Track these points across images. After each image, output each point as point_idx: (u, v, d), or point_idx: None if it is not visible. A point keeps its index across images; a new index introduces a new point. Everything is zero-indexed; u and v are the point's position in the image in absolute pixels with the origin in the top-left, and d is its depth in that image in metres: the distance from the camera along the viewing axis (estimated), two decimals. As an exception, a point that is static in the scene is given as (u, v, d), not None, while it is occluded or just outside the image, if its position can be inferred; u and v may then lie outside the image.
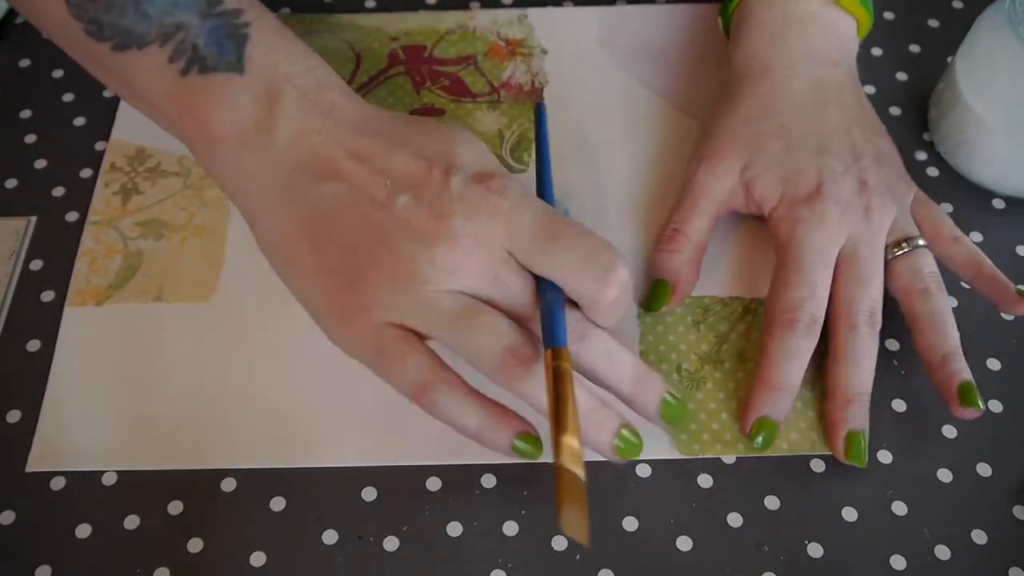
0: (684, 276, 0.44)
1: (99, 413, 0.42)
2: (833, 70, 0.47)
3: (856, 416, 0.41)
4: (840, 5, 0.47)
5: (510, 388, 0.36)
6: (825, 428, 0.42)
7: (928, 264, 0.43)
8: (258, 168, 0.38)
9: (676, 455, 0.41)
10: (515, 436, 0.37)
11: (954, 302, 0.46)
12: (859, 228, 0.43)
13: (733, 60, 0.49)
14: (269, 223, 0.39)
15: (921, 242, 0.44)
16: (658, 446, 0.42)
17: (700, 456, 0.41)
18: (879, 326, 0.42)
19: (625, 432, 0.38)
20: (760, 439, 0.41)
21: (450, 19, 0.55)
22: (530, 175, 0.48)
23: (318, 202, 0.37)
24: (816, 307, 0.42)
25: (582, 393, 0.37)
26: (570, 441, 0.33)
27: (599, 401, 0.38)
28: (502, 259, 0.37)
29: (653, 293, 0.44)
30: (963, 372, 0.41)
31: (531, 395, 0.36)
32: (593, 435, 0.37)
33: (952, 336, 0.42)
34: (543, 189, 0.42)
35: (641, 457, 0.41)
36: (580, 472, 0.33)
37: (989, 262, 0.44)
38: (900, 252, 0.43)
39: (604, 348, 0.38)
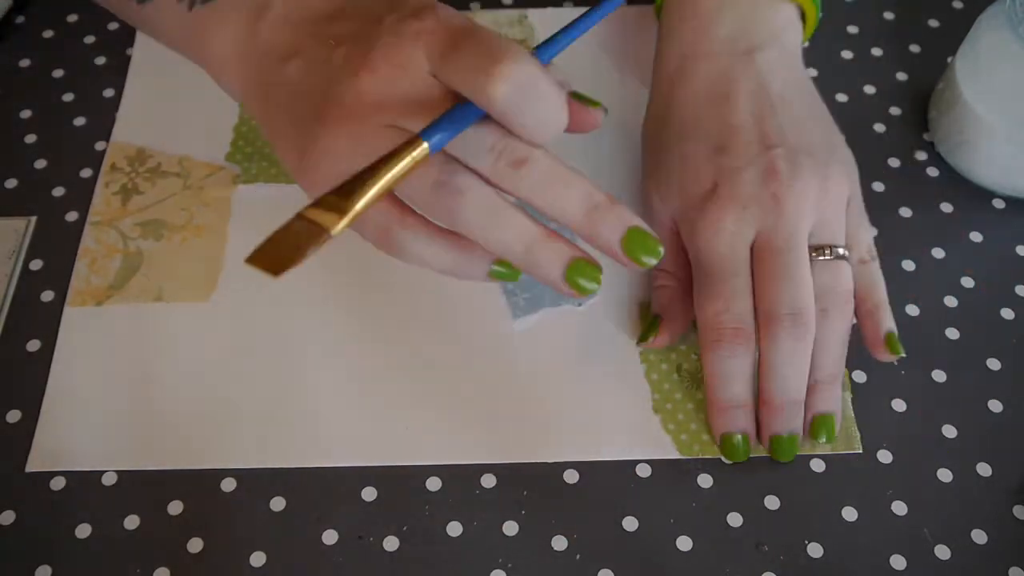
0: (675, 312, 0.43)
1: (99, 413, 0.42)
2: (747, 58, 0.44)
3: (777, 423, 0.40)
4: None
5: (449, 223, 0.35)
6: (757, 424, 0.41)
7: (840, 282, 0.41)
8: (250, 60, 0.39)
9: (676, 455, 0.41)
10: (491, 262, 0.36)
11: (954, 302, 0.46)
12: (769, 220, 0.40)
13: (655, 62, 0.48)
14: (262, 102, 0.39)
15: (842, 251, 0.41)
16: (658, 446, 0.42)
17: (700, 456, 0.41)
18: (805, 324, 0.39)
19: (580, 262, 0.34)
20: (730, 455, 0.41)
21: None
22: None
23: (287, 80, 0.37)
24: (737, 318, 0.40)
25: (522, 219, 0.34)
26: (338, 201, 0.31)
27: (546, 229, 0.35)
28: (427, 84, 0.35)
29: (650, 324, 0.44)
30: (820, 404, 0.41)
31: (468, 224, 0.34)
32: (545, 268, 0.34)
33: (829, 364, 0.41)
34: (544, 47, 0.37)
35: (641, 457, 0.41)
36: (328, 229, 0.30)
37: (881, 296, 0.42)
38: (820, 258, 0.41)
39: (546, 172, 0.34)
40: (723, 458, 0.41)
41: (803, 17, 0.47)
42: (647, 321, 0.44)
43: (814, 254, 0.41)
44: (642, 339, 0.44)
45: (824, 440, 0.41)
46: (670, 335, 0.43)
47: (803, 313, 0.40)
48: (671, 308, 0.43)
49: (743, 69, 0.44)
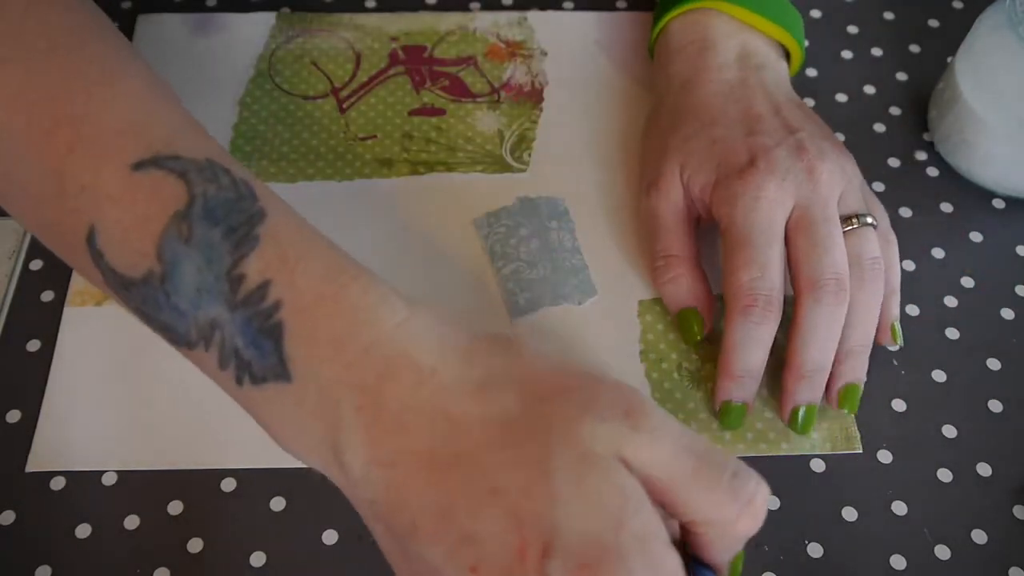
0: (701, 294, 0.44)
1: (99, 413, 0.42)
2: (756, 72, 0.46)
3: (805, 392, 0.41)
4: (759, 30, 0.47)
5: None
6: (780, 394, 0.42)
7: (871, 249, 0.42)
8: (348, 491, 0.32)
9: None
10: None
11: (954, 302, 0.46)
12: (805, 191, 0.41)
13: (656, 82, 0.49)
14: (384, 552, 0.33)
15: (870, 220, 0.42)
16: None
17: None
18: (846, 290, 0.40)
19: None
20: (726, 422, 0.42)
21: (450, 20, 0.55)
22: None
23: (406, 555, 0.31)
24: (770, 286, 0.40)
25: None
26: None
27: None
28: None
29: (684, 325, 0.44)
30: (849, 374, 0.41)
31: None
32: None
33: (861, 334, 0.41)
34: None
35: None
36: None
37: (895, 282, 0.43)
38: (847, 228, 0.42)
39: None
40: (720, 426, 0.42)
41: (787, 57, 0.49)
42: (680, 321, 0.44)
43: (844, 224, 0.42)
44: (692, 337, 0.44)
45: (847, 411, 0.42)
46: (710, 320, 0.44)
47: (844, 279, 0.40)
48: (697, 293, 0.44)
49: (755, 79, 0.46)
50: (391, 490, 0.30)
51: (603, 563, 0.28)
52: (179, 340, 0.33)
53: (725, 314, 0.42)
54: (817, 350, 0.40)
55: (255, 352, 0.31)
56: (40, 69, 0.33)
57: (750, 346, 0.41)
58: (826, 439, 0.42)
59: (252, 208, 0.32)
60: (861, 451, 0.42)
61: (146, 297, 0.32)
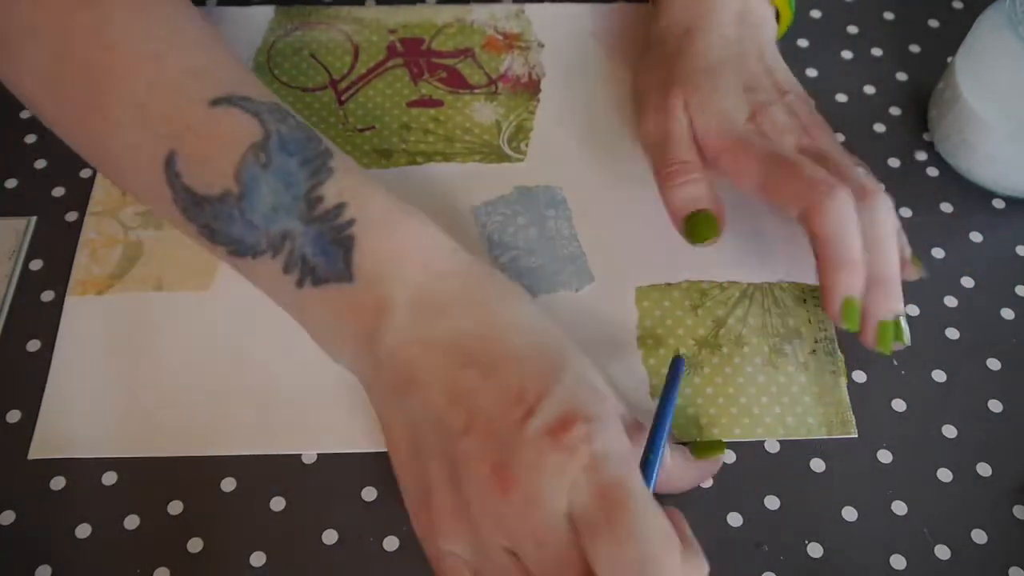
0: (717, 199, 0.44)
1: (100, 401, 0.42)
2: (753, 30, 0.47)
3: (844, 281, 0.40)
4: None
5: None
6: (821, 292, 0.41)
7: (871, 179, 0.43)
8: (369, 376, 0.38)
9: (675, 440, 0.41)
10: None
11: (954, 302, 0.46)
12: (804, 141, 0.44)
13: (655, 26, 0.50)
14: (383, 426, 0.38)
15: (860, 165, 0.44)
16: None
17: (697, 440, 0.41)
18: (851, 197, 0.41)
19: None
20: (846, 316, 0.41)
21: (448, 13, 0.55)
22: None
23: (407, 421, 0.37)
24: (833, 177, 0.41)
25: None
26: None
27: None
28: (554, 526, 0.32)
29: (699, 224, 0.43)
30: (876, 306, 0.41)
31: None
32: None
33: (884, 261, 0.41)
34: (651, 450, 0.37)
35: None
36: None
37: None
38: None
39: None
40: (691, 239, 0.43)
41: (777, 17, 0.50)
42: (695, 221, 0.43)
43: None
44: (705, 237, 0.43)
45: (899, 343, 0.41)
46: (722, 222, 0.44)
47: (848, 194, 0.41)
48: (713, 197, 0.44)
49: (751, 37, 0.47)
50: (416, 364, 0.36)
51: (576, 423, 0.33)
52: (244, 251, 0.38)
53: (808, 230, 0.41)
54: (842, 238, 0.40)
55: (323, 259, 0.37)
56: (121, 13, 0.38)
57: (845, 226, 0.40)
58: (822, 423, 0.42)
59: (320, 147, 0.38)
60: (856, 435, 0.42)
61: (219, 213, 0.37)
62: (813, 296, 0.45)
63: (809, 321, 0.45)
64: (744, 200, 0.46)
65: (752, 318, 0.45)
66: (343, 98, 0.52)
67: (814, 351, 0.44)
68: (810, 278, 0.46)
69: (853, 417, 0.42)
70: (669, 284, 0.46)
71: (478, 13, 0.55)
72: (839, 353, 0.44)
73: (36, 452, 0.41)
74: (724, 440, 0.42)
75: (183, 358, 0.44)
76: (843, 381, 0.43)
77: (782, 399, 0.43)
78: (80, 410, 0.42)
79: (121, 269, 0.46)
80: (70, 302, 0.45)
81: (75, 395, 0.43)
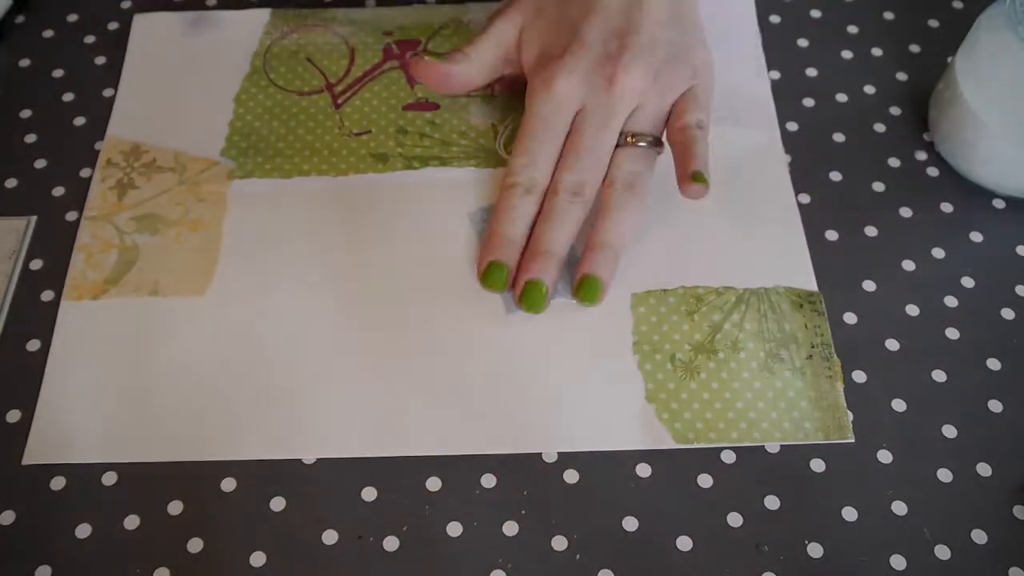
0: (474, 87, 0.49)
1: (96, 406, 0.42)
2: None
3: (534, 269, 0.44)
4: None
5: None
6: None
7: (639, 164, 0.45)
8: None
9: (671, 445, 0.41)
10: None
11: (954, 302, 0.46)
12: (596, 97, 0.45)
13: None
14: None
15: (650, 141, 0.45)
16: (653, 436, 0.42)
17: (695, 445, 0.41)
18: (583, 198, 0.45)
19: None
20: (492, 281, 0.44)
21: (444, 14, 0.55)
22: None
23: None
24: (534, 175, 0.45)
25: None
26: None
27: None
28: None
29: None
30: (593, 266, 0.44)
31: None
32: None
33: (613, 232, 0.44)
34: None
35: (635, 447, 0.41)
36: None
37: (700, 144, 0.45)
38: (628, 143, 0.45)
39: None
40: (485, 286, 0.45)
41: None
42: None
43: (622, 139, 0.46)
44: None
45: (586, 303, 0.44)
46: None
47: (585, 188, 0.45)
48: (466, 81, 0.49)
49: None
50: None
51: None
52: None
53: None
54: (548, 233, 0.44)
55: None
56: None
57: (510, 215, 0.45)
58: (818, 428, 0.42)
59: None
60: (853, 440, 0.42)
61: None
62: (809, 301, 0.45)
63: (805, 326, 0.45)
64: (740, 205, 0.46)
65: (748, 323, 0.45)
66: (339, 102, 0.52)
67: (810, 356, 0.44)
68: (806, 283, 0.46)
69: (850, 422, 0.42)
70: (665, 290, 0.46)
71: (474, 13, 0.55)
72: (835, 358, 0.44)
73: (30, 458, 0.41)
74: (721, 443, 0.42)
75: (179, 364, 0.43)
76: (839, 386, 0.43)
77: (778, 404, 0.43)
78: (75, 416, 0.42)
79: (116, 274, 0.46)
80: (65, 307, 0.45)
81: (70, 401, 0.42)
